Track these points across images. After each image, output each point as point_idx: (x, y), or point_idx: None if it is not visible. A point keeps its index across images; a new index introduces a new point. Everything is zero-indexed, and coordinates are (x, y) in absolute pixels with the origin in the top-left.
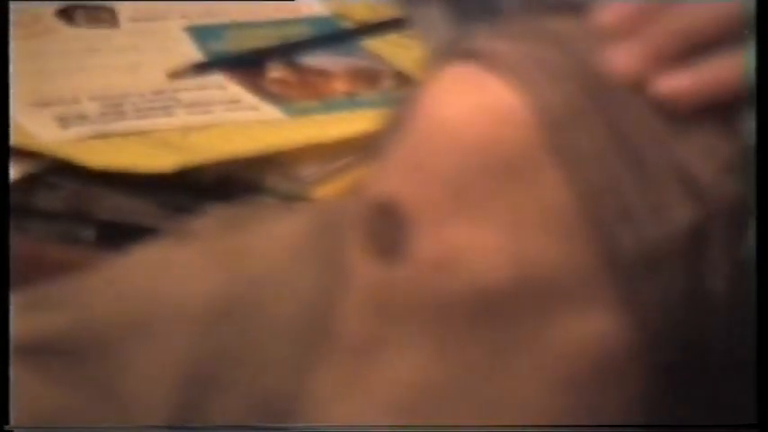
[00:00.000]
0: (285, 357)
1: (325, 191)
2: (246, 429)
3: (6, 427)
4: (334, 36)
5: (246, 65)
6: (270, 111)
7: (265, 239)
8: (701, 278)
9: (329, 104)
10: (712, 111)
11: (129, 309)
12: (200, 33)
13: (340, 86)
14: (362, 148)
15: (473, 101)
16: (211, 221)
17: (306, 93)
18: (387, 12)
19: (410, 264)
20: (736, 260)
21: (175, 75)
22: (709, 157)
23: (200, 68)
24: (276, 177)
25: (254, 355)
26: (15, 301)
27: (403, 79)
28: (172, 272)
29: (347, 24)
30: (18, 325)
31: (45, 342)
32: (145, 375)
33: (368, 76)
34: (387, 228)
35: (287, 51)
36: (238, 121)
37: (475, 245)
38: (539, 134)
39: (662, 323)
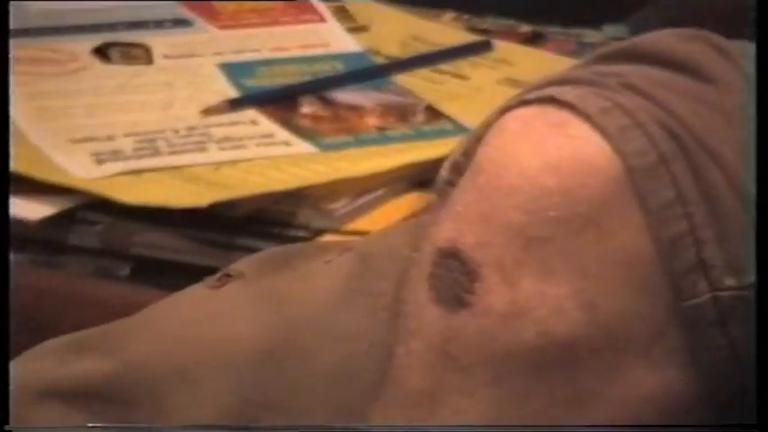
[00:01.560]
0: (333, 402)
1: (357, 225)
2: (246, 429)
3: (6, 427)
4: (366, 72)
5: (279, 100)
6: (302, 146)
7: (310, 282)
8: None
9: (361, 139)
10: None
11: (173, 354)
12: (233, 70)
13: (371, 121)
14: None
15: (552, 147)
16: (255, 262)
17: (338, 128)
18: (417, 47)
19: (477, 313)
20: None
21: (209, 112)
22: None
23: (234, 105)
24: (308, 212)
25: (300, 401)
26: (60, 343)
27: (434, 114)
28: (216, 315)
29: (378, 60)
30: (64, 369)
31: (92, 388)
32: (187, 421)
33: (399, 112)
34: (453, 276)
35: (319, 87)
36: (271, 157)
37: (545, 296)
38: (620, 184)
39: (726, 375)
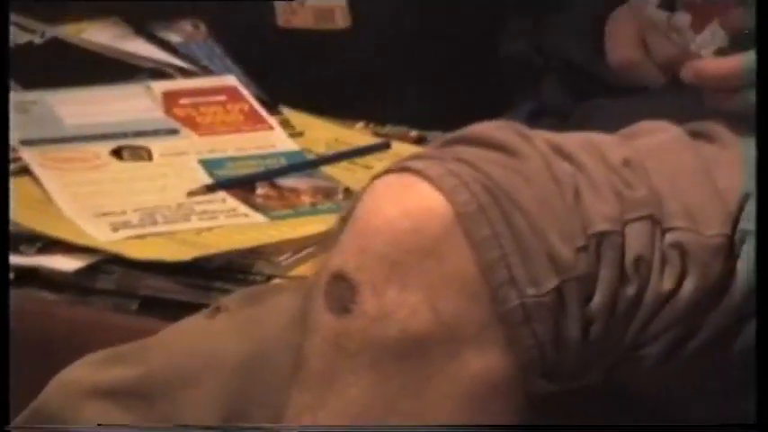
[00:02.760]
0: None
1: (298, 271)
2: (246, 429)
3: (6, 427)
4: (302, 164)
5: (241, 185)
6: (257, 216)
7: (274, 310)
8: (561, 327)
9: (299, 211)
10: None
11: (182, 364)
12: (209, 164)
13: (306, 199)
14: (322, 240)
15: (406, 201)
16: (237, 299)
17: (282, 204)
18: (338, 147)
19: (357, 317)
20: (587, 314)
21: (193, 194)
22: (567, 242)
23: (210, 188)
24: (263, 263)
25: (273, 396)
26: (98, 357)
27: (350, 193)
28: (212, 337)
29: (311, 156)
30: (102, 374)
31: (124, 388)
32: (193, 412)
33: (325, 192)
34: (341, 291)
35: (269, 176)
36: (236, 224)
37: (404, 303)
38: (453, 225)
39: (535, 361)
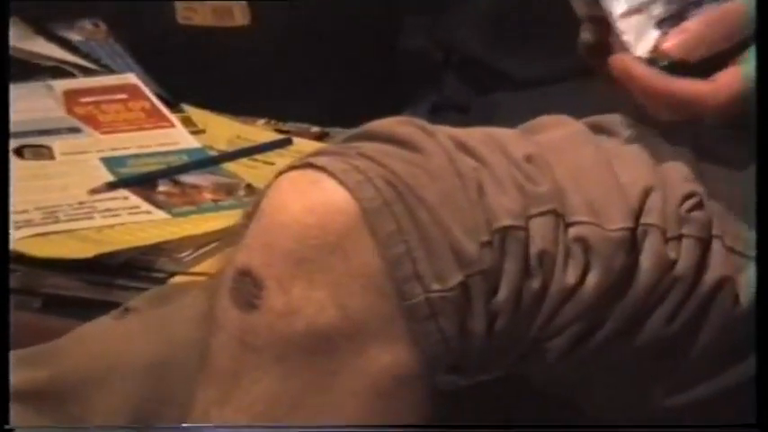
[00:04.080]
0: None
1: (199, 268)
2: (246, 429)
3: (6, 427)
4: (204, 161)
5: (143, 183)
6: (159, 213)
7: (182, 310)
8: (466, 321)
9: (201, 208)
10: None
11: (91, 366)
12: (111, 162)
13: (208, 196)
14: (227, 236)
15: (310, 197)
16: (146, 299)
17: (184, 200)
18: (239, 144)
19: (263, 312)
20: (492, 308)
21: (94, 191)
22: (472, 236)
23: (111, 186)
24: (164, 260)
25: (182, 394)
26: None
27: (251, 190)
28: (121, 338)
29: (212, 153)
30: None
31: (31, 390)
32: (104, 414)
33: (227, 188)
34: (246, 287)
35: (171, 173)
36: (137, 222)
37: (311, 299)
38: (357, 221)
39: (441, 356)
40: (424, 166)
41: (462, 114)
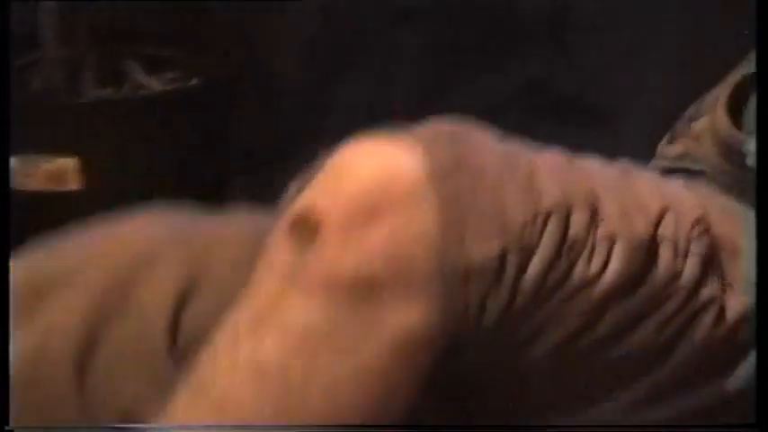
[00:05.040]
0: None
1: None
2: (246, 429)
3: (6, 428)
4: None
5: None
6: None
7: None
8: (490, 294)
9: None
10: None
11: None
12: None
13: None
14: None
15: (379, 155)
16: None
17: None
18: None
19: (316, 251)
20: (516, 287)
21: None
22: (519, 213)
23: None
24: None
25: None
26: None
27: None
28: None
29: None
30: None
31: None
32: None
33: None
34: (304, 229)
35: None
36: None
37: (361, 244)
38: (421, 181)
39: (461, 322)
40: (484, 142)
41: None
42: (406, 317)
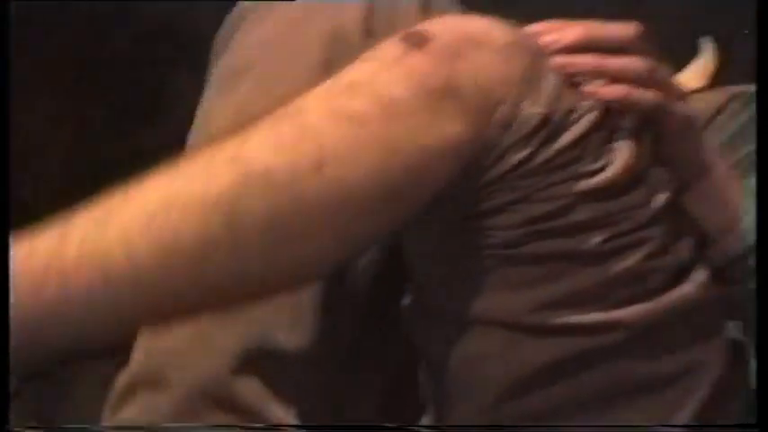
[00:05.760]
0: None
1: None
2: (246, 429)
3: (6, 427)
4: None
5: None
6: None
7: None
8: (511, 148)
9: None
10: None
11: None
12: None
13: None
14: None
15: (475, 21)
16: None
17: None
18: None
19: (424, 54)
20: (539, 151)
21: None
22: (564, 89)
23: None
24: None
25: None
26: None
27: None
28: None
29: None
30: None
31: None
32: None
33: None
34: (416, 37)
35: None
36: None
37: (455, 67)
38: (503, 43)
39: (489, 149)
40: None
41: None
42: (458, 127)
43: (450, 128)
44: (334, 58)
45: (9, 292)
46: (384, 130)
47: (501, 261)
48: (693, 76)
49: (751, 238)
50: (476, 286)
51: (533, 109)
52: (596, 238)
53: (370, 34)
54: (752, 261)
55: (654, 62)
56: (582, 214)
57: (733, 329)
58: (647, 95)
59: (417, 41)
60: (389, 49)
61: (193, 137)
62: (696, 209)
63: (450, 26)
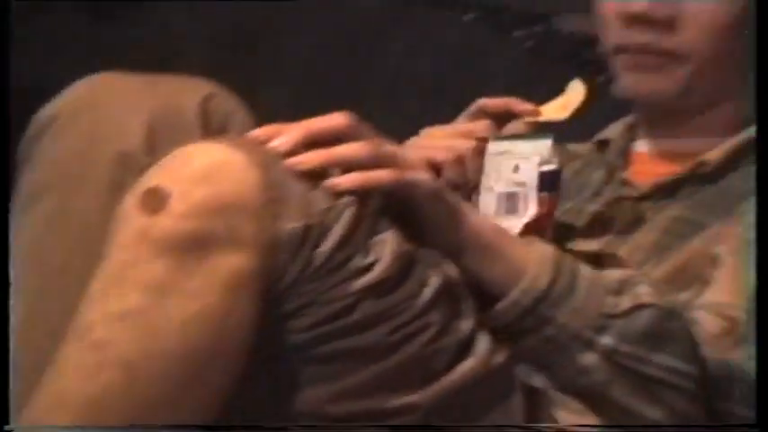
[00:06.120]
0: None
1: None
2: (246, 429)
3: (6, 427)
4: None
5: None
6: None
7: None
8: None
9: None
10: None
11: None
12: None
13: None
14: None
15: (213, 149)
16: None
17: None
18: None
19: (165, 216)
20: (310, 257)
21: None
22: (323, 197)
23: None
24: None
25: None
26: None
27: None
28: None
29: None
30: None
31: None
32: None
33: None
34: (154, 198)
35: None
36: None
37: (197, 207)
38: (248, 168)
39: (272, 271)
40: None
41: None
42: (234, 260)
43: (226, 265)
44: (122, 179)
45: (9, 291)
46: (173, 303)
47: (302, 361)
48: (556, 108)
49: (538, 289)
50: (289, 384)
51: (291, 224)
52: (382, 331)
53: (153, 152)
54: (544, 310)
55: (375, 142)
56: (364, 311)
57: (532, 376)
58: (381, 175)
59: (155, 205)
60: (134, 219)
61: (18, 263)
62: (476, 271)
63: (182, 170)
